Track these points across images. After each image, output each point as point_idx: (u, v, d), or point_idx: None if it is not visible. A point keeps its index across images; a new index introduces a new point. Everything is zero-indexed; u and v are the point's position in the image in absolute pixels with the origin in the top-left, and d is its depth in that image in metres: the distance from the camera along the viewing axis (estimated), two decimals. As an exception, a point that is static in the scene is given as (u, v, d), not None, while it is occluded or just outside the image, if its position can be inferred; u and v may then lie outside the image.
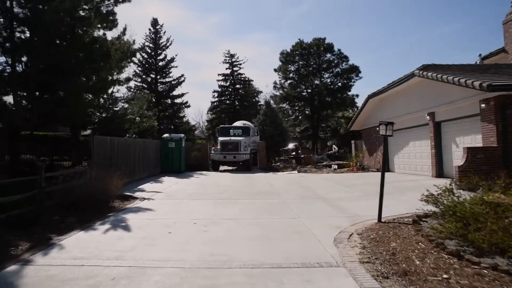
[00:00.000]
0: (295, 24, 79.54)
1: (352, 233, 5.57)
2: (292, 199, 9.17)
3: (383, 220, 6.13)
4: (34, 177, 7.30)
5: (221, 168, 21.66)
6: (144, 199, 9.44)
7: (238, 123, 24.57)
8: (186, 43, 79.26)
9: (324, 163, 23.29)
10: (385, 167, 17.75)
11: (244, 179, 15.23)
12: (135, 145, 13.98)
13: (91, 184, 8.52)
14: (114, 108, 14.13)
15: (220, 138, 20.57)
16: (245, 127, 22.40)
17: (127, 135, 17.26)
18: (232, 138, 20.49)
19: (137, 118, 15.68)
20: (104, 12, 11.99)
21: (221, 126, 23.57)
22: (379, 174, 6.66)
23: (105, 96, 14.82)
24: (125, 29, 14.18)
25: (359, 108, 19.48)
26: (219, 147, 20.01)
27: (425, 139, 14.23)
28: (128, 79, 17.55)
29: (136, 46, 14.56)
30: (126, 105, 14.82)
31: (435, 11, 73.20)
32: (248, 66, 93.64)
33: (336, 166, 20.28)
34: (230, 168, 22.30)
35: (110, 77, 12.41)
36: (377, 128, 18.94)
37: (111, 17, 12.27)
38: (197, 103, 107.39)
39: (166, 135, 18.57)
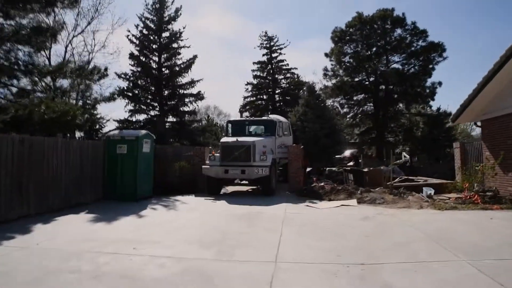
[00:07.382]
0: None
1: None
2: None
3: None
4: None
5: (229, 189, 13.29)
6: None
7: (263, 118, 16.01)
8: (241, 51, 76.01)
9: (398, 180, 13.80)
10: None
11: (232, 232, 6.71)
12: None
13: None
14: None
15: (223, 140, 12.20)
16: (269, 120, 13.59)
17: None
18: (241, 139, 11.87)
19: None
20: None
21: (228, 120, 15.05)
22: None
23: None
24: None
25: (486, 77, 9.77)
26: (218, 153, 11.67)
27: None
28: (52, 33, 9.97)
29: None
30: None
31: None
32: (305, 73, 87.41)
33: (431, 191, 10.79)
34: (245, 188, 13.77)
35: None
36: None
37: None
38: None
39: (113, 132, 10.59)
